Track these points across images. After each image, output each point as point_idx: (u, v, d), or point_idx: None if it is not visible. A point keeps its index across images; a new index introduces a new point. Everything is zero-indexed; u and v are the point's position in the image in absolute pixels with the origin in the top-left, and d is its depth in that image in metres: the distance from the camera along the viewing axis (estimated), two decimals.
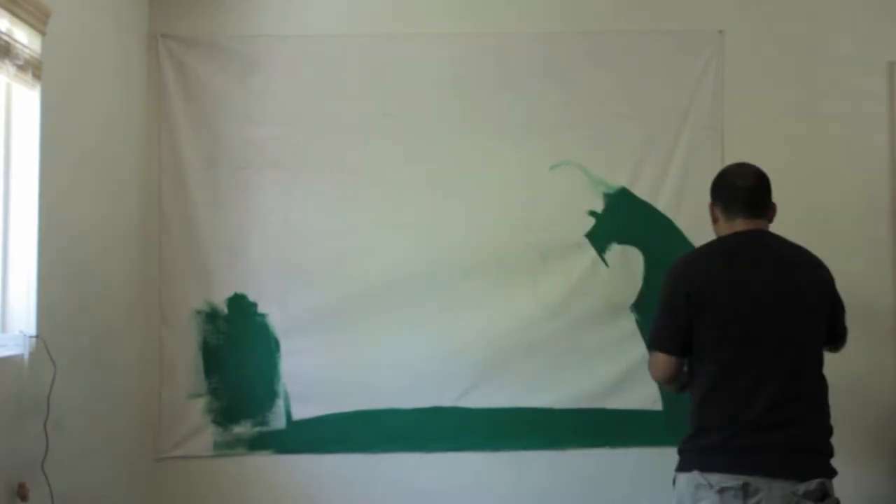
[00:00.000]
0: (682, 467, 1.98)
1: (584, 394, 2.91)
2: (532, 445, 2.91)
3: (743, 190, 2.06)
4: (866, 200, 2.98)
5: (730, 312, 1.94)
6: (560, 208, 2.93)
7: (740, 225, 2.04)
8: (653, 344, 2.07)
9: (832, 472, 1.95)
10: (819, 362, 2.05)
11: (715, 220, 2.12)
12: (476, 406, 2.89)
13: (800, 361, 1.98)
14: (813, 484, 1.88)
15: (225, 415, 2.88)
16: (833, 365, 2.91)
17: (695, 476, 1.91)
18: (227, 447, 2.88)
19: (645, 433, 2.91)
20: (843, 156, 2.98)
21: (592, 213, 2.94)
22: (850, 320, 2.91)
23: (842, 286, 2.92)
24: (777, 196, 2.96)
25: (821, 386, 2.05)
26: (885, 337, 2.96)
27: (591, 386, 2.91)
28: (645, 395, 2.90)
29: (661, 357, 2.04)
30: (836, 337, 2.14)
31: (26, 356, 2.07)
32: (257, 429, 2.89)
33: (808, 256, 2.09)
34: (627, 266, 2.93)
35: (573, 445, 2.92)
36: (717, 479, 1.88)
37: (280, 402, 2.89)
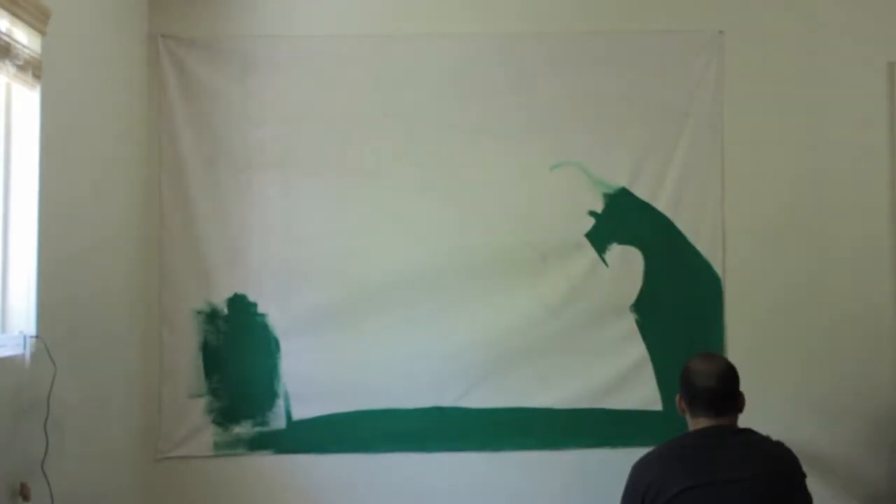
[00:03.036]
0: None
1: (584, 394, 2.91)
2: (532, 445, 2.91)
3: (706, 391, 2.02)
4: (866, 200, 2.98)
5: None
6: (560, 208, 2.93)
7: (703, 423, 2.02)
8: None
9: None
10: None
11: (682, 411, 2.10)
12: (476, 406, 2.89)
13: None
14: None
15: (225, 415, 2.89)
16: (833, 365, 2.94)
17: None
18: (227, 447, 2.88)
19: (645, 433, 2.90)
20: (843, 156, 2.98)
21: (592, 214, 2.94)
22: (850, 320, 2.95)
23: (842, 286, 2.96)
24: (777, 196, 2.99)
25: None
26: (884, 337, 2.96)
27: (591, 386, 2.91)
28: (645, 395, 2.91)
29: None
30: None
31: (26, 356, 2.07)
32: (257, 429, 2.89)
33: (772, 449, 2.01)
34: (627, 266, 2.93)
35: (573, 445, 2.92)
36: None
37: (280, 402, 2.89)
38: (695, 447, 1.99)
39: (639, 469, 2.02)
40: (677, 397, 2.11)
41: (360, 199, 2.92)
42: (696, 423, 2.04)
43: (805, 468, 2.97)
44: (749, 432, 2.03)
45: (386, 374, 2.90)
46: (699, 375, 2.04)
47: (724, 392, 2.03)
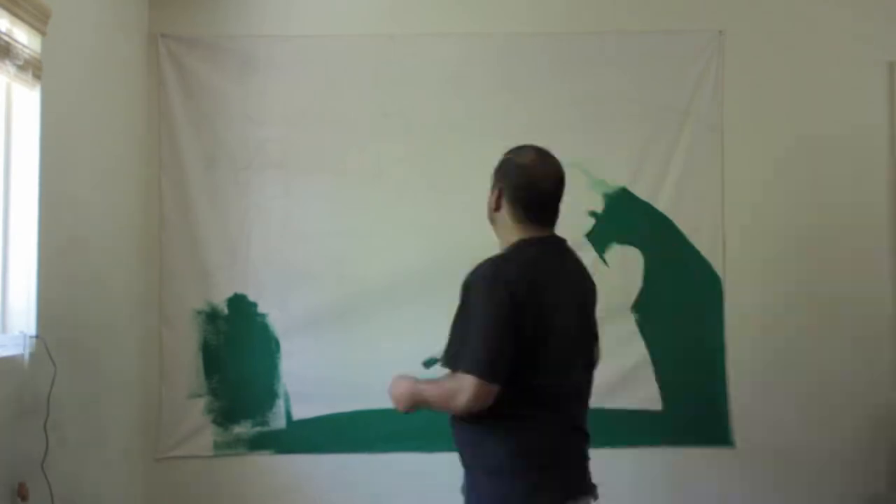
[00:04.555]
0: None
1: None
2: None
3: (548, 196, 1.82)
4: (866, 200, 2.98)
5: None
6: (560, 208, 2.92)
7: (533, 231, 1.80)
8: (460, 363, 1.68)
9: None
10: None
11: (496, 209, 1.82)
12: None
13: None
14: None
15: (225, 415, 2.88)
16: (832, 364, 2.94)
17: None
18: (227, 447, 2.88)
19: (645, 433, 2.91)
20: (843, 156, 2.98)
21: (592, 214, 2.94)
22: (850, 320, 2.95)
23: (841, 286, 2.95)
24: (777, 195, 2.99)
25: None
26: (883, 337, 2.96)
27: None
28: (645, 395, 2.91)
29: None
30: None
31: (26, 356, 2.07)
32: (257, 429, 2.89)
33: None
34: (627, 266, 2.93)
35: None
36: None
37: (280, 402, 2.89)
38: (546, 266, 1.77)
39: (500, 273, 1.69)
40: (496, 193, 1.80)
41: (359, 198, 2.92)
42: (524, 230, 1.79)
43: (804, 468, 2.97)
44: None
45: (386, 374, 2.85)
46: (543, 180, 1.81)
47: (558, 200, 1.85)
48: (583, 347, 1.86)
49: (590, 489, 1.78)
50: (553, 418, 1.71)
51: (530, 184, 1.81)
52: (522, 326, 1.63)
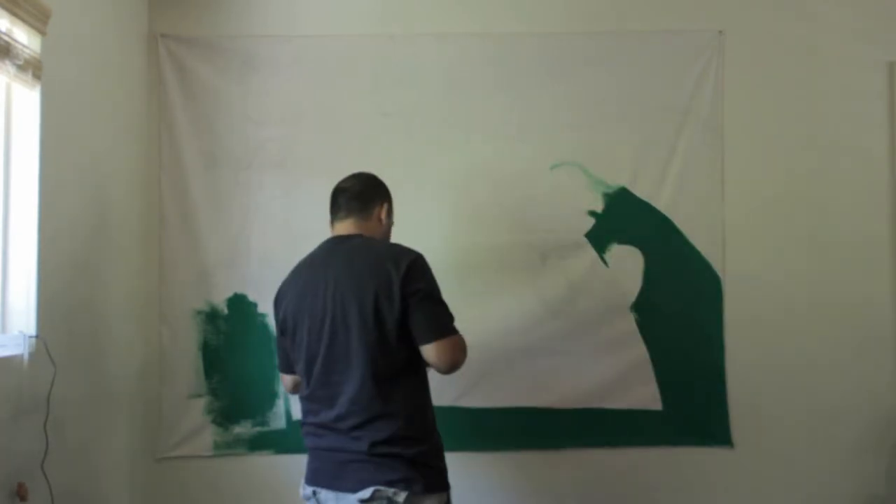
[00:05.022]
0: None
1: (584, 394, 2.91)
2: (532, 445, 2.91)
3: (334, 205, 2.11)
4: (866, 200, 2.98)
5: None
6: (560, 208, 2.93)
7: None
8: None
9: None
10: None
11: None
12: (475, 406, 2.89)
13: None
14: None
15: (225, 415, 2.89)
16: (832, 365, 2.94)
17: None
18: (227, 447, 2.88)
19: (645, 433, 2.91)
20: (843, 156, 2.98)
21: (592, 213, 2.94)
22: (850, 320, 2.95)
23: (841, 286, 2.95)
24: (777, 195, 2.99)
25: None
26: (884, 337, 2.96)
27: (591, 386, 2.91)
28: (645, 395, 2.91)
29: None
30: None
31: (26, 356, 2.07)
32: (257, 429, 2.89)
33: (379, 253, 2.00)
34: (627, 266, 2.93)
35: (573, 445, 2.92)
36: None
37: (280, 402, 2.89)
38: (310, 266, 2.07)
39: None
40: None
41: None
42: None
43: (804, 468, 2.96)
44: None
45: None
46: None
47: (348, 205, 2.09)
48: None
49: None
50: None
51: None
52: None
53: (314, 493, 1.98)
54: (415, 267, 1.94)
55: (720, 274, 2.93)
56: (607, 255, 2.92)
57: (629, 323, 2.92)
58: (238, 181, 2.92)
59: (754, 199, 2.97)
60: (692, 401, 2.91)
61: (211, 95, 2.92)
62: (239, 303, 2.90)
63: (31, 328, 2.12)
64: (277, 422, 2.89)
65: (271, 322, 2.88)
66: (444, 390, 2.88)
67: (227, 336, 2.90)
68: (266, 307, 2.89)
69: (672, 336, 2.92)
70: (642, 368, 2.92)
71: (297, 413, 2.88)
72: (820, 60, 2.99)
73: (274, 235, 2.91)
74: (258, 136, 2.92)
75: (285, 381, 2.20)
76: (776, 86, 2.98)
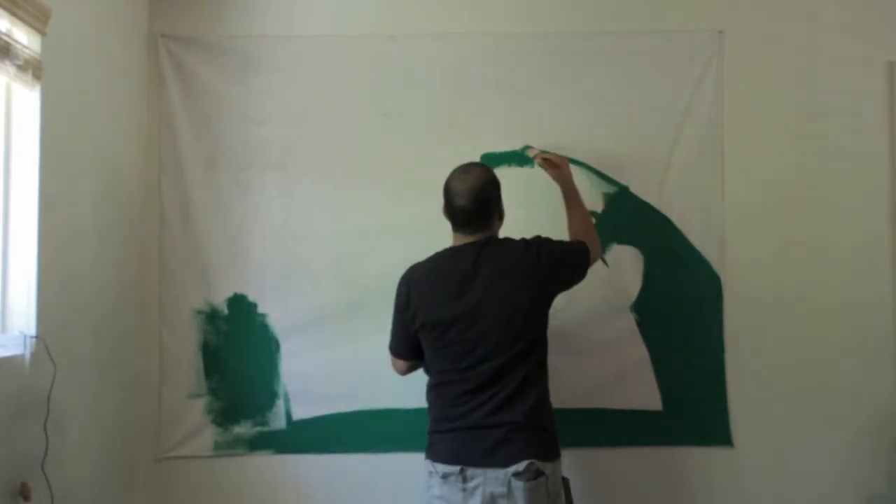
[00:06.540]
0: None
1: (584, 394, 2.90)
2: None
3: (461, 211, 2.24)
4: (866, 200, 2.98)
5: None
6: (560, 208, 2.92)
7: (460, 239, 2.29)
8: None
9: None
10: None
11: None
12: None
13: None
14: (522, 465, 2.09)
15: (225, 415, 2.88)
16: (832, 365, 2.94)
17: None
18: (227, 447, 2.88)
19: (645, 433, 2.91)
20: (843, 156, 2.98)
21: (592, 214, 2.93)
22: (850, 320, 2.95)
23: (841, 286, 2.95)
24: (777, 195, 2.99)
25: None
26: (884, 337, 2.96)
27: (590, 386, 2.91)
28: (645, 395, 2.91)
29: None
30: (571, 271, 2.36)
31: (26, 356, 2.07)
32: (257, 429, 2.89)
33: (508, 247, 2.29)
34: (627, 266, 2.93)
35: (573, 445, 2.91)
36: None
37: (280, 402, 2.89)
38: (448, 272, 2.24)
39: (403, 281, 2.35)
40: (443, 207, 2.29)
41: (359, 199, 2.92)
42: (455, 239, 2.30)
43: (804, 468, 2.96)
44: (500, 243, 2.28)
45: (386, 374, 2.88)
46: (456, 196, 2.23)
47: (477, 212, 2.24)
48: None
49: None
50: None
51: (447, 200, 2.28)
52: None
53: (461, 470, 2.14)
54: (532, 241, 2.37)
55: (720, 274, 2.93)
56: (607, 256, 2.92)
57: (629, 323, 2.92)
58: (238, 181, 2.91)
59: (754, 199, 2.96)
60: (692, 401, 2.91)
61: (211, 95, 2.92)
62: (239, 303, 2.90)
63: (31, 328, 2.12)
64: (277, 422, 2.89)
65: (271, 322, 2.90)
66: None
67: (227, 336, 2.90)
68: (266, 307, 2.90)
69: (672, 336, 2.91)
70: (642, 368, 2.91)
71: (297, 413, 2.89)
72: (820, 60, 2.99)
73: (274, 235, 2.91)
74: (258, 136, 2.92)
75: (398, 364, 2.46)
76: (776, 86, 2.98)
